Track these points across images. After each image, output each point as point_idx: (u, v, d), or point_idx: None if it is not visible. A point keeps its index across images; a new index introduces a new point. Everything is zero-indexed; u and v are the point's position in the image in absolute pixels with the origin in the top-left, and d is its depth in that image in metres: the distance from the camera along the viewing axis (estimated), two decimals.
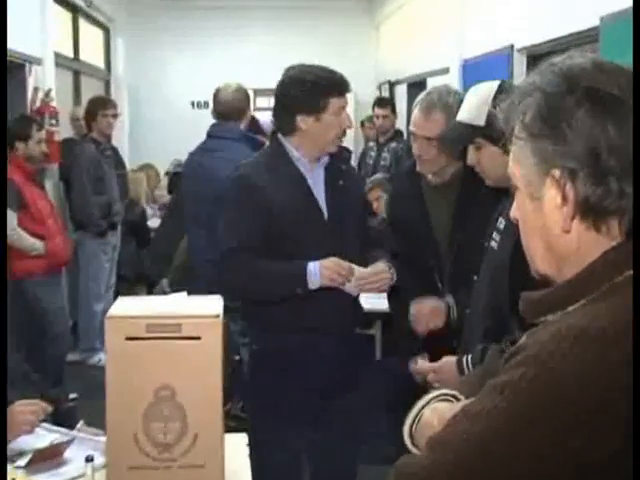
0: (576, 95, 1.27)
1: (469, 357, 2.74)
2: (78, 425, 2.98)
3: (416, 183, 3.49)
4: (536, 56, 5.53)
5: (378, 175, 6.92)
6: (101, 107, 7.03)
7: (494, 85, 2.79)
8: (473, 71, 6.68)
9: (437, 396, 1.70)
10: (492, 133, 2.60)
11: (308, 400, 3.28)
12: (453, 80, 7.11)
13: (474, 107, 2.80)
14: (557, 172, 1.28)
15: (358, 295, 3.43)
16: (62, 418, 3.01)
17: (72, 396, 5.63)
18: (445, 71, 7.47)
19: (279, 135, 3.35)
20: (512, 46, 5.81)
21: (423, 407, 1.69)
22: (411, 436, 1.66)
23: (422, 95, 3.42)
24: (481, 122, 2.74)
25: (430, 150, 3.31)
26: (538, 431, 1.20)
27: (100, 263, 7.10)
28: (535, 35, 5.38)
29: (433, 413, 1.64)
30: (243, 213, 3.27)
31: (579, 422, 1.18)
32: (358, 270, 3.21)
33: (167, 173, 9.56)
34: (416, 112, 3.37)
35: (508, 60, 5.83)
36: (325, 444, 3.42)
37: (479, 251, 2.97)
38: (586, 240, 1.30)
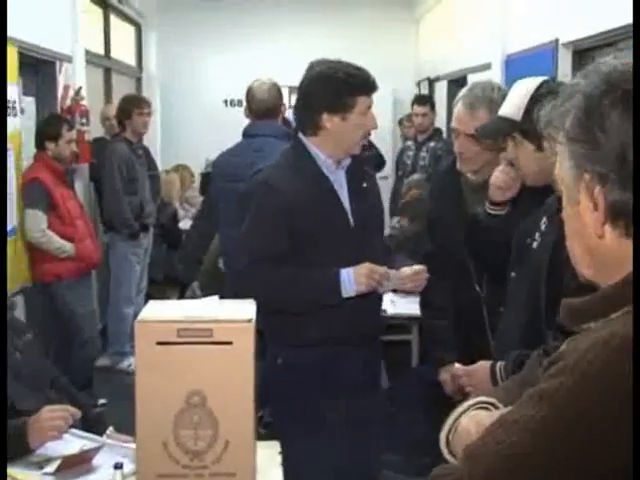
0: (612, 98, 1.24)
1: (502, 364, 2.69)
2: (107, 431, 2.94)
3: (455, 181, 3.42)
4: (582, 51, 5.39)
5: (415, 176, 6.83)
6: (136, 105, 6.96)
7: (536, 82, 2.76)
8: (516, 67, 6.54)
9: (475, 404, 1.68)
10: (528, 129, 2.63)
11: (336, 409, 3.22)
12: (495, 76, 6.98)
13: (514, 102, 2.77)
14: (587, 176, 1.27)
15: (381, 302, 3.42)
16: (91, 424, 2.97)
17: (101, 401, 5.63)
18: (487, 67, 7.34)
19: (300, 135, 3.25)
20: (557, 40, 5.66)
21: (460, 415, 1.67)
22: (448, 444, 1.65)
23: (464, 90, 3.35)
24: (518, 117, 2.72)
25: (472, 147, 3.24)
26: (576, 442, 1.17)
27: (131, 266, 7.02)
28: (581, 29, 5.22)
29: (471, 421, 1.62)
30: (267, 219, 3.19)
31: (618, 433, 1.15)
32: (392, 273, 3.17)
33: (201, 174, 9.52)
34: (459, 107, 3.30)
35: (553, 55, 5.69)
36: (348, 451, 3.35)
37: (518, 252, 2.91)
38: (622, 246, 1.27)
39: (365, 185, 3.29)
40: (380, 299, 3.38)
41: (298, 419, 3.23)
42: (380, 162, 7.87)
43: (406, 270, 3.20)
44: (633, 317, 1.19)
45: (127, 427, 2.93)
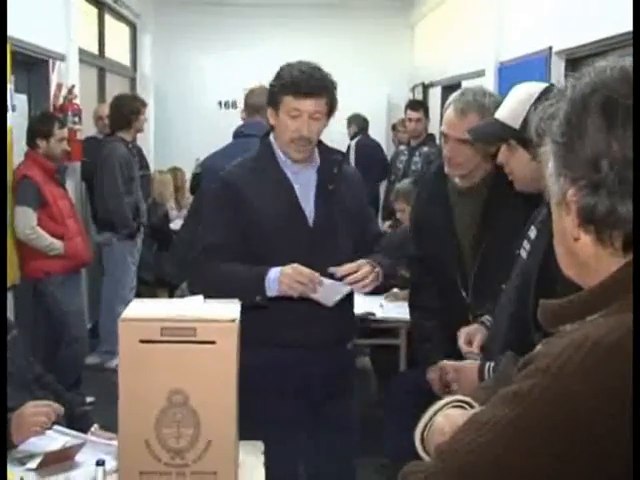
0: (593, 104, 1.25)
1: (491, 364, 2.69)
2: (92, 429, 2.94)
3: (442, 186, 3.42)
4: (575, 59, 5.39)
5: (405, 182, 6.82)
6: (143, 107, 7.04)
7: (537, 89, 2.72)
8: (510, 74, 6.54)
9: (450, 402, 1.69)
10: (525, 137, 2.56)
11: (294, 413, 3.21)
12: (489, 83, 6.99)
13: (513, 107, 2.74)
14: (562, 179, 1.29)
15: (351, 307, 3.38)
16: (76, 422, 2.97)
17: (89, 400, 5.64)
18: (481, 74, 7.35)
19: (270, 136, 3.31)
20: (550, 48, 5.66)
21: (436, 413, 1.67)
22: (423, 442, 1.66)
23: (455, 95, 3.34)
24: (516, 125, 2.69)
25: (462, 152, 3.24)
26: (547, 445, 1.18)
27: (127, 266, 7.02)
28: (574, 37, 5.24)
29: (445, 419, 1.62)
30: (220, 215, 3.24)
31: (591, 436, 1.15)
32: (326, 279, 3.07)
33: (192, 174, 9.48)
34: (450, 112, 3.29)
35: (546, 63, 5.69)
36: (318, 453, 3.36)
37: (504, 259, 2.92)
38: (597, 251, 1.29)
39: (331, 187, 3.26)
40: (348, 303, 3.30)
41: (252, 419, 2.95)
42: (384, 169, 7.90)
43: (346, 266, 3.11)
44: (633, 319, 1.20)
45: (114, 425, 2.92)
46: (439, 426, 1.61)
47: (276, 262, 3.07)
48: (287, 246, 3.15)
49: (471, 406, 1.66)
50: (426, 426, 1.66)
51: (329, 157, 3.32)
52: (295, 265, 3.03)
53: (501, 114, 2.80)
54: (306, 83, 3.10)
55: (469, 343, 2.98)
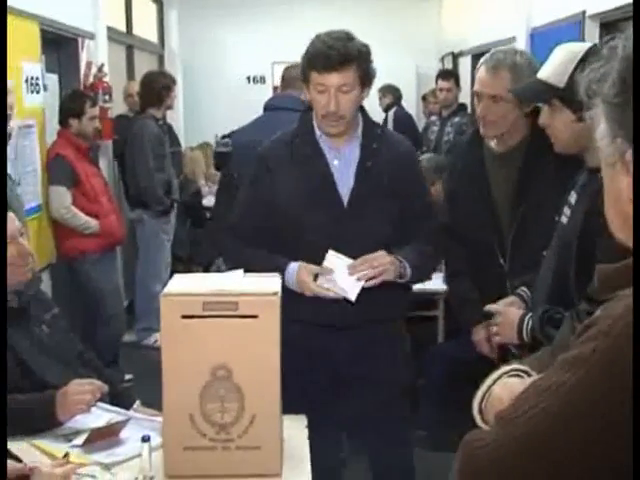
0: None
1: (530, 318, 2.72)
2: (134, 405, 2.95)
3: (477, 153, 3.37)
4: (610, 23, 5.31)
5: (427, 156, 6.72)
6: (172, 83, 7.02)
7: (583, 48, 2.67)
8: (541, 40, 6.48)
9: (507, 371, 1.67)
10: (570, 98, 2.51)
11: (322, 389, 3.19)
12: None
13: (557, 67, 2.68)
14: (619, 140, 1.25)
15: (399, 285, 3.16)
16: (118, 399, 2.97)
17: (128, 377, 5.67)
18: (512, 41, 7.25)
19: (313, 112, 3.19)
20: (584, 12, 5.59)
21: (494, 382, 1.66)
22: (481, 412, 1.64)
23: (487, 55, 3.31)
24: (561, 84, 2.63)
25: (495, 110, 3.20)
26: (610, 408, 1.15)
27: (161, 242, 7.00)
28: (608, 0, 5.15)
29: (503, 388, 1.60)
30: (251, 192, 3.21)
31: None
32: (339, 276, 2.98)
33: (215, 152, 9.46)
34: (482, 70, 3.26)
35: (579, 28, 5.62)
36: (362, 423, 3.32)
37: (542, 225, 2.90)
38: None
39: (369, 164, 3.11)
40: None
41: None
42: (417, 141, 7.77)
43: (357, 260, 2.99)
44: (633, 313, 1.17)
45: (153, 402, 2.94)
46: (497, 395, 1.59)
47: (306, 244, 3.04)
48: (317, 227, 3.06)
49: (529, 375, 1.63)
50: (484, 396, 1.64)
51: (370, 131, 3.18)
52: (307, 266, 2.99)
53: (544, 74, 2.74)
54: (327, 57, 2.96)
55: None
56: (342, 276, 2.98)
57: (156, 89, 6.85)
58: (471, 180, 3.36)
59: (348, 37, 3.04)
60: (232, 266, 2.94)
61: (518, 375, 1.65)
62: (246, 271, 2.77)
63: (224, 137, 7.51)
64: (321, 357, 3.16)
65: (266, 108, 4.79)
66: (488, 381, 1.67)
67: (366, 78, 3.06)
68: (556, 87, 2.64)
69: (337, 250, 3.00)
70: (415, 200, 3.22)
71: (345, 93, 3.00)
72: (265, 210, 3.12)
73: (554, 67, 2.70)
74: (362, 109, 3.20)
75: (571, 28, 5.72)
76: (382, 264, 2.99)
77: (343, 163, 3.13)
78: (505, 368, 1.68)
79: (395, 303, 3.22)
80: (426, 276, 3.45)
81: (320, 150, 3.13)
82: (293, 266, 3.01)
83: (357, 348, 3.17)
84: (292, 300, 2.78)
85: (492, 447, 1.27)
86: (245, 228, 3.18)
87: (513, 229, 3.22)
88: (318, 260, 3.00)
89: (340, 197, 3.09)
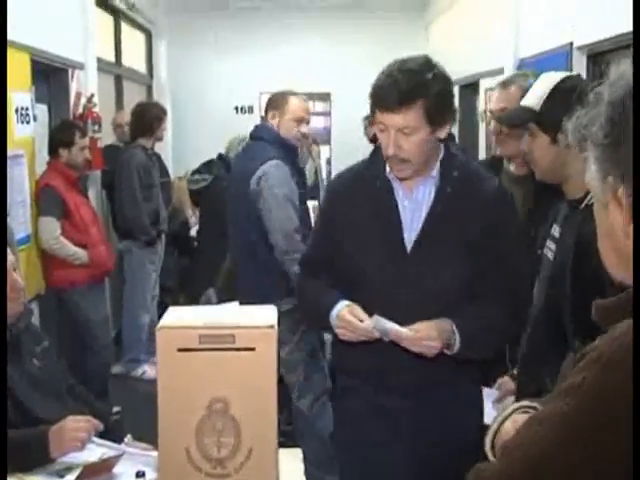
0: (632, 104, 1.29)
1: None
2: (125, 439, 2.92)
3: (495, 173, 3.32)
4: (597, 55, 5.32)
5: None
6: (164, 114, 7.07)
7: (559, 75, 2.75)
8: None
9: (518, 408, 1.74)
10: (544, 120, 2.62)
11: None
12: None
13: (536, 93, 2.75)
14: (611, 178, 1.32)
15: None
16: (109, 433, 2.94)
17: (115, 409, 5.61)
18: (500, 72, 7.27)
19: None
20: (571, 44, 5.59)
21: (505, 419, 1.73)
22: (492, 448, 1.71)
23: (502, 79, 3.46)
24: (537, 107, 2.69)
25: (503, 128, 3.28)
26: (599, 435, 1.21)
27: (148, 273, 7.01)
28: (596, 32, 5.16)
29: (513, 425, 1.67)
30: (318, 226, 3.01)
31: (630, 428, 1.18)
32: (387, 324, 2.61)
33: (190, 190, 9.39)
34: (495, 91, 3.40)
35: (567, 59, 5.62)
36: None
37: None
38: None
39: (439, 209, 2.72)
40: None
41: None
42: None
43: (403, 330, 2.61)
44: (633, 320, 1.23)
45: (143, 434, 2.93)
46: (507, 431, 1.65)
47: (367, 289, 2.73)
48: (378, 274, 2.73)
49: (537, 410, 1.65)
50: (496, 433, 1.70)
51: (446, 171, 2.75)
52: (351, 308, 2.67)
53: (526, 100, 2.80)
54: (387, 94, 2.59)
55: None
56: (384, 333, 2.63)
57: (147, 119, 6.87)
58: None
59: (420, 67, 2.63)
60: (298, 300, 2.97)
61: (527, 412, 1.68)
62: (305, 306, 2.88)
63: (194, 173, 7.56)
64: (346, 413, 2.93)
65: (250, 137, 4.84)
66: (500, 418, 1.73)
67: (436, 116, 2.62)
68: (532, 110, 2.70)
69: (393, 299, 2.66)
70: (499, 259, 2.73)
71: (408, 135, 2.61)
72: (330, 244, 2.84)
73: (534, 94, 2.76)
74: (446, 142, 2.79)
75: (559, 59, 5.74)
76: (423, 347, 2.61)
77: (414, 205, 2.76)
78: (516, 405, 1.74)
79: (447, 368, 2.71)
80: (486, 353, 2.82)
81: (390, 187, 2.76)
82: (343, 303, 2.70)
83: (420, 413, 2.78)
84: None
85: (494, 473, 1.36)
86: (313, 260, 2.97)
87: None
88: (371, 305, 2.66)
89: (404, 242, 2.72)
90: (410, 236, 2.72)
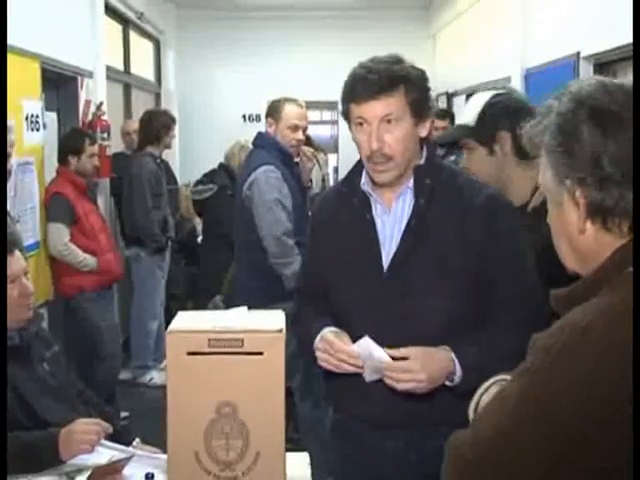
0: (582, 114, 1.47)
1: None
2: (134, 443, 2.94)
3: None
4: (603, 64, 5.33)
5: None
6: (172, 125, 7.06)
7: (490, 93, 2.87)
8: (536, 81, 6.51)
9: (495, 381, 1.84)
10: (480, 134, 2.75)
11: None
12: None
13: (470, 111, 2.85)
14: (568, 181, 1.48)
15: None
16: (117, 436, 2.97)
17: (123, 415, 5.64)
18: (506, 81, 7.28)
19: None
20: (578, 53, 5.60)
21: (485, 391, 1.84)
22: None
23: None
24: (472, 124, 2.80)
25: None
26: (538, 418, 1.37)
27: (156, 280, 7.04)
28: (603, 42, 5.19)
29: (488, 397, 1.77)
30: (308, 256, 2.80)
31: (572, 410, 1.34)
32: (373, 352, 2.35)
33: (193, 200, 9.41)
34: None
35: (574, 69, 5.63)
36: None
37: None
38: (600, 240, 1.48)
39: (414, 223, 2.44)
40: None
41: None
42: None
43: (386, 360, 2.33)
44: (633, 320, 1.35)
45: (151, 440, 2.97)
46: (484, 403, 1.76)
47: (350, 316, 2.49)
48: (359, 299, 2.49)
49: None
50: (476, 406, 1.82)
51: (419, 180, 2.47)
52: (330, 335, 2.44)
53: (461, 120, 2.94)
54: (366, 82, 2.37)
55: None
56: (369, 359, 2.37)
57: (155, 127, 6.89)
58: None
59: (396, 60, 2.45)
60: (292, 326, 2.55)
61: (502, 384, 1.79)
62: (294, 331, 2.56)
63: (197, 183, 7.59)
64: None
65: (252, 145, 4.95)
66: (478, 392, 1.84)
67: (420, 107, 2.42)
68: (468, 126, 2.80)
69: (373, 327, 2.38)
70: (496, 274, 2.42)
71: (391, 126, 2.38)
72: (318, 273, 2.63)
73: (468, 112, 2.87)
74: (429, 148, 2.53)
75: (565, 69, 5.75)
76: (408, 380, 2.31)
77: (394, 220, 2.49)
78: (493, 379, 1.84)
79: (443, 407, 2.38)
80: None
81: (367, 202, 2.52)
82: (329, 328, 2.49)
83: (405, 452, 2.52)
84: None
85: (466, 445, 1.49)
86: (306, 289, 2.73)
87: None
88: (356, 334, 2.41)
89: (381, 263, 2.46)
90: (388, 256, 2.45)
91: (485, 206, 2.43)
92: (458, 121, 2.96)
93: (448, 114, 8.37)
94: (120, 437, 2.98)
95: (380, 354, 2.31)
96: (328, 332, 2.45)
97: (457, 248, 2.40)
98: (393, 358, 2.31)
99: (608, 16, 5.11)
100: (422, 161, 2.49)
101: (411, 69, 2.45)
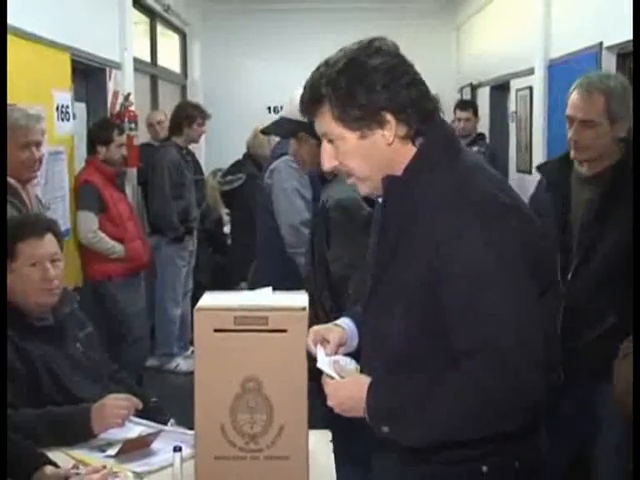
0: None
1: None
2: (169, 423, 3.02)
3: (566, 171, 3.34)
4: (627, 54, 5.34)
5: None
6: (200, 115, 7.11)
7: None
8: (559, 71, 6.54)
9: None
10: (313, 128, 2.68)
11: None
12: (538, 82, 6.99)
13: (294, 106, 2.83)
14: None
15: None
16: (154, 415, 3.05)
17: (153, 400, 5.72)
18: (530, 72, 7.33)
19: None
20: (601, 44, 5.62)
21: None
22: None
23: (580, 79, 3.29)
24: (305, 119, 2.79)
25: (587, 135, 3.18)
26: None
27: (177, 268, 7.12)
28: (626, 31, 5.19)
29: None
30: None
31: None
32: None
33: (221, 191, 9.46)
34: (574, 95, 3.23)
35: (596, 59, 5.65)
36: None
37: (608, 255, 3.08)
38: None
39: (375, 239, 2.21)
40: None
41: None
42: None
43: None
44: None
45: (177, 424, 3.03)
46: None
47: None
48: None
49: None
50: None
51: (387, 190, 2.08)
52: (315, 327, 2.36)
53: (285, 112, 3.32)
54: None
55: None
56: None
57: (179, 117, 6.99)
58: (554, 198, 3.34)
59: (334, 60, 2.12)
60: None
61: None
62: None
63: (225, 174, 7.65)
64: None
65: None
66: None
67: (341, 114, 2.01)
68: (302, 122, 2.90)
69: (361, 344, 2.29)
70: (446, 306, 1.93)
71: (331, 143, 2.09)
72: None
73: (293, 106, 3.03)
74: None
75: (588, 59, 5.77)
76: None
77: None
78: None
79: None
80: (426, 434, 1.97)
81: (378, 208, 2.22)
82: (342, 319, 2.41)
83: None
84: None
85: None
86: None
87: (580, 252, 3.22)
88: None
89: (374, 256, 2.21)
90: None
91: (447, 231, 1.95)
92: (284, 114, 3.31)
93: (471, 105, 8.41)
94: (155, 417, 3.05)
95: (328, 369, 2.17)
96: (326, 326, 2.39)
97: (412, 268, 1.99)
98: None
99: (630, 5, 5.12)
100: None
101: (319, 81, 2.05)
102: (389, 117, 1.99)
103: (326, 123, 2.04)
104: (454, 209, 1.91)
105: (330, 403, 2.10)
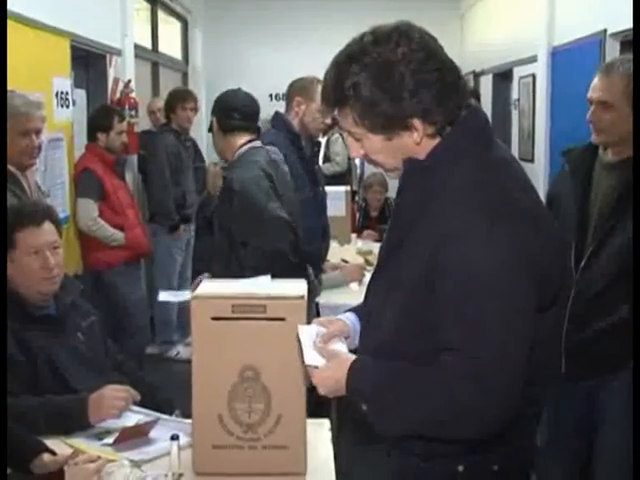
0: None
1: None
2: (175, 413, 3.01)
3: (590, 158, 3.28)
4: (631, 42, 5.32)
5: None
6: (181, 100, 7.02)
7: None
8: (563, 59, 6.48)
9: None
10: None
11: None
12: (541, 69, 6.97)
13: None
14: None
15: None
16: (158, 407, 3.02)
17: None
18: (533, 59, 7.31)
19: None
20: (605, 31, 5.62)
21: None
22: None
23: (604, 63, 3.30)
24: None
25: (604, 117, 3.12)
26: None
27: (173, 256, 7.10)
28: (630, 19, 5.17)
29: None
30: None
31: None
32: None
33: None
34: (596, 77, 3.18)
35: (600, 46, 5.64)
36: None
37: (621, 244, 3.01)
38: None
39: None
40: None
41: None
42: None
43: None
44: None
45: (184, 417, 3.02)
46: None
47: None
48: None
49: None
50: None
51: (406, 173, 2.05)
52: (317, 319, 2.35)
53: None
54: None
55: None
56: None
57: (171, 102, 7.02)
58: (575, 184, 3.28)
59: (349, 55, 2.00)
60: None
61: None
62: None
63: (224, 168, 7.60)
64: None
65: None
66: None
67: (369, 124, 1.96)
68: None
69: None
70: (436, 302, 1.89)
71: (358, 140, 2.04)
72: None
73: None
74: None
75: (592, 47, 5.75)
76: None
77: None
78: None
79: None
80: (397, 423, 1.95)
81: None
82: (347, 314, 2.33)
83: None
84: None
85: None
86: None
87: (596, 240, 3.16)
88: None
89: None
90: None
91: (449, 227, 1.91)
92: None
93: (473, 93, 8.37)
94: (161, 408, 3.03)
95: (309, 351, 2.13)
96: (329, 318, 2.34)
97: (408, 263, 1.96)
98: None
99: None
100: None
101: (365, 74, 1.92)
102: (416, 122, 1.92)
103: (349, 124, 1.99)
104: (466, 206, 1.85)
105: (315, 384, 2.07)
